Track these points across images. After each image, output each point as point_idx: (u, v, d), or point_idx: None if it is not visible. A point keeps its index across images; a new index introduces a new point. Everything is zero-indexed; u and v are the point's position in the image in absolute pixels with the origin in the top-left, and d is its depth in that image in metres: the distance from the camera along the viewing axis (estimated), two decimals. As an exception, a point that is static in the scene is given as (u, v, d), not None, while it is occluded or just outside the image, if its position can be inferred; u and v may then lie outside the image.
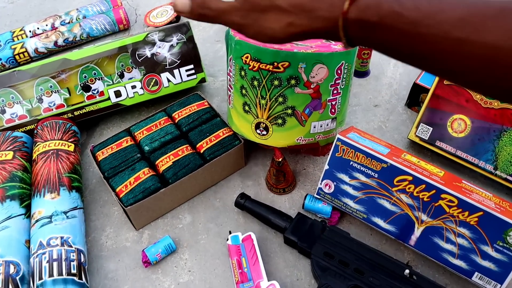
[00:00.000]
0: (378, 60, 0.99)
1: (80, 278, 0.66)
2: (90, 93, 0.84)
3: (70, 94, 0.84)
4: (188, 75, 0.89)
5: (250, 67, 0.70)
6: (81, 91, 0.84)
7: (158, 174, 0.74)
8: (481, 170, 0.78)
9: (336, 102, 0.73)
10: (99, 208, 0.80)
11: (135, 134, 0.80)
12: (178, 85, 0.88)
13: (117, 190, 0.72)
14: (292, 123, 0.72)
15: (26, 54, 1.02)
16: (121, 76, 0.85)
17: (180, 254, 0.73)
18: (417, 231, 0.68)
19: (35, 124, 0.83)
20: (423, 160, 0.71)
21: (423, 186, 0.66)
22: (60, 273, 0.65)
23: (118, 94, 0.85)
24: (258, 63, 0.69)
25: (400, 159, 0.68)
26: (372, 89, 0.95)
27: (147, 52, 0.85)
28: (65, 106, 0.84)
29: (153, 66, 0.85)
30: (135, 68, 0.85)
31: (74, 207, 0.73)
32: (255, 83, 0.70)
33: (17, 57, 1.02)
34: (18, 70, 0.82)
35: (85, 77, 0.84)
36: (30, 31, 1.03)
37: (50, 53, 1.05)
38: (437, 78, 0.79)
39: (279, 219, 0.73)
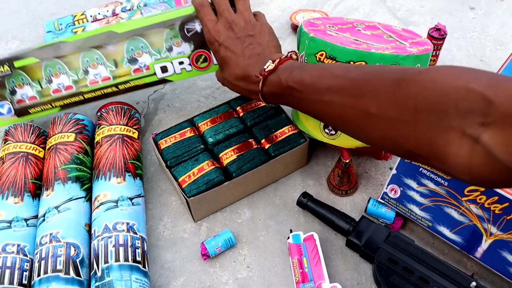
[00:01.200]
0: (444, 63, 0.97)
1: (144, 266, 0.66)
2: (137, 66, 0.80)
3: (116, 67, 0.80)
4: None
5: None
6: (128, 63, 0.80)
7: (221, 167, 0.74)
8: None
9: (407, 106, 0.72)
10: (157, 197, 0.80)
11: (199, 125, 0.79)
12: None
13: (180, 180, 0.72)
14: (362, 124, 0.71)
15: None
16: (170, 50, 0.80)
17: (239, 250, 0.73)
18: (485, 244, 0.67)
19: (81, 96, 0.82)
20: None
21: (496, 197, 0.64)
22: (126, 259, 0.65)
23: (164, 69, 0.81)
24: (333, 61, 0.68)
25: (473, 169, 0.67)
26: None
27: (197, 26, 0.78)
28: (111, 78, 0.81)
29: (203, 42, 0.77)
30: (185, 42, 0.79)
31: (138, 194, 0.73)
32: (328, 81, 0.69)
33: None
34: (64, 42, 0.79)
35: (132, 50, 0.79)
36: (91, 16, 1.03)
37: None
38: None
39: (342, 221, 0.72)
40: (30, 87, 0.81)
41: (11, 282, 0.65)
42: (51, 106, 0.83)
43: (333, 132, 0.73)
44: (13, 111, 0.83)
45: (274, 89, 0.62)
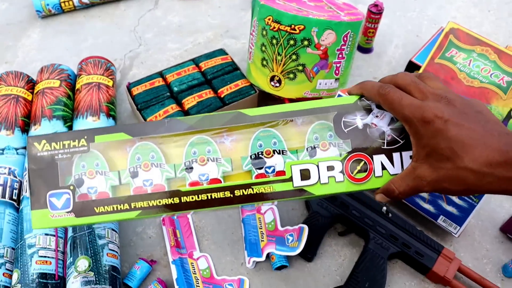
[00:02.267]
0: (381, 39, 1.12)
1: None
2: (262, 170, 0.58)
3: (232, 168, 0.58)
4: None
5: (271, 28, 0.83)
6: (250, 165, 0.58)
7: (183, 111, 0.88)
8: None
9: (340, 65, 0.86)
10: (129, 137, 0.93)
11: (166, 76, 0.93)
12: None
13: (148, 119, 0.86)
14: (302, 78, 0.85)
15: (71, 3, 1.15)
16: (312, 155, 0.58)
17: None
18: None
19: (177, 198, 0.56)
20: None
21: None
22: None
23: (305, 175, 0.57)
24: (278, 25, 0.82)
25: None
26: (373, 64, 1.08)
27: (358, 120, 0.57)
28: (222, 181, 0.58)
29: (363, 142, 0.57)
30: (334, 146, 0.58)
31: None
32: (274, 41, 0.83)
33: (62, 4, 1.15)
34: (171, 118, 0.58)
35: (260, 146, 0.58)
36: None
37: (92, 4, 1.18)
38: (429, 56, 0.92)
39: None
40: (104, 179, 0.58)
41: (3, 196, 0.78)
42: (128, 208, 0.56)
43: (277, 84, 0.87)
44: (71, 207, 0.56)
45: None
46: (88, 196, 0.56)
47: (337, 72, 0.87)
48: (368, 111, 0.57)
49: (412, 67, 1.00)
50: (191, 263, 0.76)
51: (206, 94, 0.89)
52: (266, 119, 0.57)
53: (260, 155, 0.58)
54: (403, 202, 0.82)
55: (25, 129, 0.88)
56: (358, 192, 0.80)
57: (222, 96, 0.90)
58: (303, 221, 0.78)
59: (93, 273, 0.69)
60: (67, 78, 0.94)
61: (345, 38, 0.83)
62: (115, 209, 0.56)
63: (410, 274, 0.77)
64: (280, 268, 0.76)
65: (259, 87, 0.90)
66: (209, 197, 0.56)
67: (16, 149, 0.84)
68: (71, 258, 0.71)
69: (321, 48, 0.82)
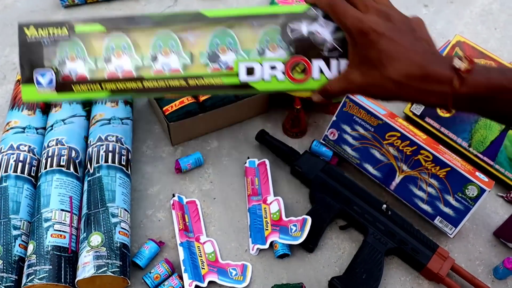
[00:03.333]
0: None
1: (127, 169, 0.84)
2: (217, 65, 0.67)
3: (191, 61, 0.68)
4: None
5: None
6: (207, 60, 0.67)
7: (198, 102, 0.92)
8: (457, 146, 0.94)
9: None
10: (143, 125, 0.97)
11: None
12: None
13: (164, 108, 0.90)
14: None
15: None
16: (262, 53, 0.66)
17: (205, 169, 0.91)
18: (398, 178, 0.86)
19: (140, 82, 0.68)
20: (411, 125, 0.88)
21: (408, 142, 0.83)
22: (113, 161, 0.82)
23: (250, 71, 0.66)
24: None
25: (393, 120, 0.86)
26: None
27: (303, 28, 0.65)
28: (181, 71, 0.68)
29: (306, 48, 0.65)
30: (282, 49, 0.66)
31: (127, 117, 0.91)
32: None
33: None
34: (141, 14, 0.68)
35: (217, 44, 0.67)
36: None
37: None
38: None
39: (290, 153, 0.90)
40: (83, 63, 0.69)
41: (22, 172, 0.82)
42: (100, 88, 0.69)
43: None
44: (54, 84, 0.69)
45: (479, 90, 0.53)
46: (69, 77, 0.68)
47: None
48: (314, 20, 0.65)
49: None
50: (198, 246, 0.80)
51: (221, 88, 0.93)
52: (223, 21, 0.66)
53: (216, 52, 0.67)
54: (402, 202, 0.86)
55: (45, 110, 0.92)
56: (359, 190, 0.84)
57: (235, 91, 0.94)
58: (306, 213, 0.82)
59: (105, 248, 0.72)
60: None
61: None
62: (90, 89, 0.69)
63: (406, 270, 0.81)
64: (282, 256, 0.80)
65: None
66: (168, 85, 0.68)
67: (37, 128, 0.88)
68: (85, 234, 0.74)
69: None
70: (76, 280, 0.71)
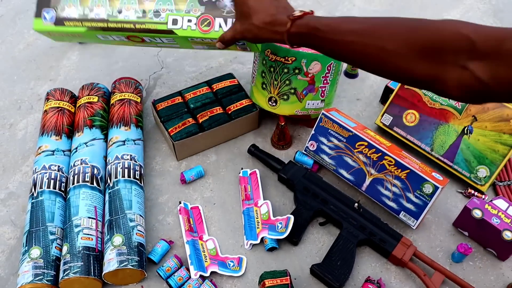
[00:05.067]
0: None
1: (141, 182, 1.01)
2: (159, 19, 0.94)
3: (143, 15, 0.95)
4: None
5: (269, 58, 1.03)
6: (152, 15, 0.94)
7: (198, 123, 1.08)
8: (421, 150, 1.10)
9: (325, 89, 1.07)
10: (152, 144, 1.14)
11: (185, 95, 1.14)
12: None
13: (169, 130, 1.07)
14: (293, 99, 1.06)
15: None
16: (187, 13, 0.93)
17: (206, 179, 1.07)
18: (367, 181, 1.01)
19: (106, 23, 0.96)
20: (378, 135, 1.04)
21: (374, 149, 0.99)
22: (129, 176, 0.99)
23: (175, 22, 0.94)
24: (275, 56, 1.02)
25: (362, 132, 1.02)
26: (357, 87, 1.28)
27: None
28: (135, 19, 0.95)
29: (213, 9, 0.92)
30: (200, 11, 0.93)
31: (139, 138, 1.08)
32: (272, 69, 1.04)
33: None
34: None
35: (160, 5, 0.94)
36: None
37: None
38: (399, 84, 1.12)
39: (276, 163, 1.07)
40: (76, 9, 0.97)
41: (54, 187, 0.99)
42: (81, 25, 0.97)
43: (274, 104, 1.08)
44: (54, 20, 0.98)
45: (301, 29, 0.74)
46: (66, 17, 0.97)
47: (322, 94, 1.07)
48: None
49: (388, 91, 1.20)
50: (201, 244, 0.97)
51: (217, 110, 1.10)
52: None
53: (159, 10, 0.94)
54: (372, 200, 1.01)
55: (69, 135, 1.09)
56: (335, 191, 1.00)
57: (229, 112, 1.11)
58: (290, 212, 0.98)
59: (125, 247, 0.89)
60: (103, 94, 1.16)
61: (329, 68, 1.03)
62: (75, 25, 0.97)
63: (376, 258, 0.96)
64: (271, 249, 0.96)
65: (260, 105, 1.11)
66: (123, 27, 0.96)
67: (63, 151, 1.05)
68: (108, 236, 0.91)
69: (309, 76, 1.03)
70: (103, 273, 0.87)
